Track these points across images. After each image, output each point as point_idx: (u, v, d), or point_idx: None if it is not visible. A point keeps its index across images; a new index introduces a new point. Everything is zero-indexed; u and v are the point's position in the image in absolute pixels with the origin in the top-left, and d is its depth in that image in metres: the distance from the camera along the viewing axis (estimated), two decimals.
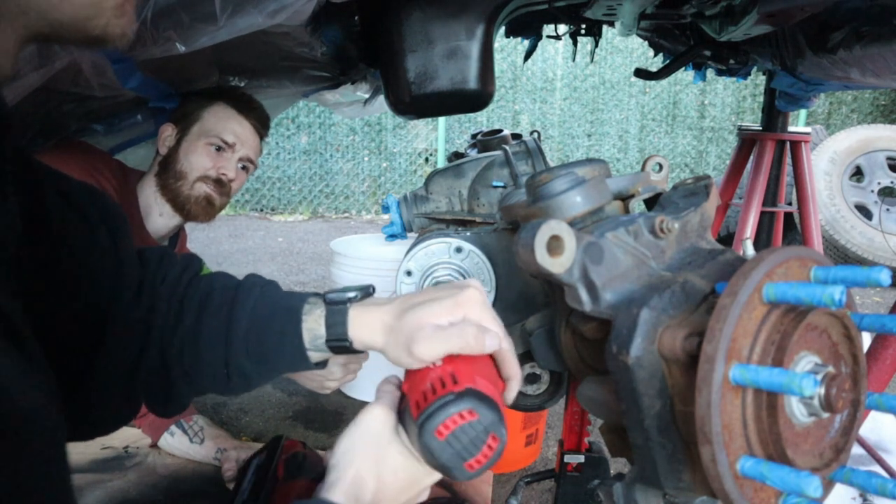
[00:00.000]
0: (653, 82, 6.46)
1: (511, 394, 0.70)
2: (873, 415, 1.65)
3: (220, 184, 1.55)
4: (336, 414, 2.31)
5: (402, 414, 0.65)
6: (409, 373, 0.67)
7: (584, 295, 0.58)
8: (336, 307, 0.71)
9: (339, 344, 0.71)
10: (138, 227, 1.54)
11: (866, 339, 1.31)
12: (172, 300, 0.73)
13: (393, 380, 0.71)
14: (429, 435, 0.58)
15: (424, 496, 0.67)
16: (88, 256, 0.66)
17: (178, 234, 1.72)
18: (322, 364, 0.76)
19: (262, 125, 1.63)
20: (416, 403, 0.61)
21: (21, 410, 0.42)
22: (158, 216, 1.56)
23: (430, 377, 0.62)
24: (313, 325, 0.71)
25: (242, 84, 1.62)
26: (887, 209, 4.36)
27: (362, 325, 0.70)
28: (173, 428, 1.64)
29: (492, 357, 0.67)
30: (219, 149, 1.54)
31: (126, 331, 0.70)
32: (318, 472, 0.80)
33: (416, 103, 1.33)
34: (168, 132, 1.54)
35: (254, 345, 0.71)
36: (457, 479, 0.60)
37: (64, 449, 0.48)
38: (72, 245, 0.64)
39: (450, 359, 0.64)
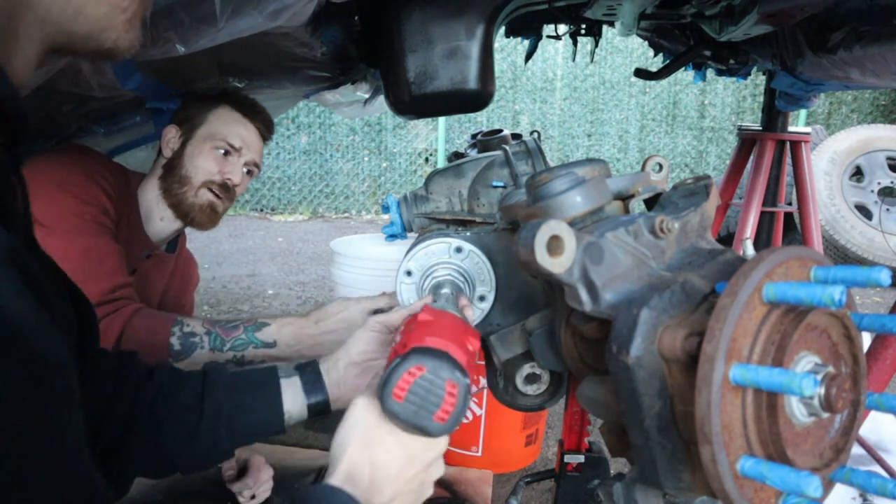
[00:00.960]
0: (653, 82, 6.46)
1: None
2: (873, 415, 1.65)
3: (225, 188, 1.53)
4: (338, 414, 2.30)
5: None
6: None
7: (584, 295, 0.58)
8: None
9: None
10: (138, 231, 1.53)
11: (866, 339, 1.31)
12: (139, 399, 0.82)
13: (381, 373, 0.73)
14: (389, 401, 0.60)
15: (437, 470, 0.67)
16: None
17: (177, 238, 1.71)
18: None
19: (266, 129, 1.62)
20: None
21: (45, 357, 0.41)
22: (159, 220, 1.55)
23: (390, 355, 0.65)
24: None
25: (242, 85, 1.62)
26: (887, 209, 4.36)
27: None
28: None
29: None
30: (225, 153, 1.52)
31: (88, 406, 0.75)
32: None
33: (416, 103, 1.33)
34: (172, 134, 1.53)
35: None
36: (435, 435, 0.61)
37: (79, 413, 0.47)
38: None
39: (407, 330, 0.67)
